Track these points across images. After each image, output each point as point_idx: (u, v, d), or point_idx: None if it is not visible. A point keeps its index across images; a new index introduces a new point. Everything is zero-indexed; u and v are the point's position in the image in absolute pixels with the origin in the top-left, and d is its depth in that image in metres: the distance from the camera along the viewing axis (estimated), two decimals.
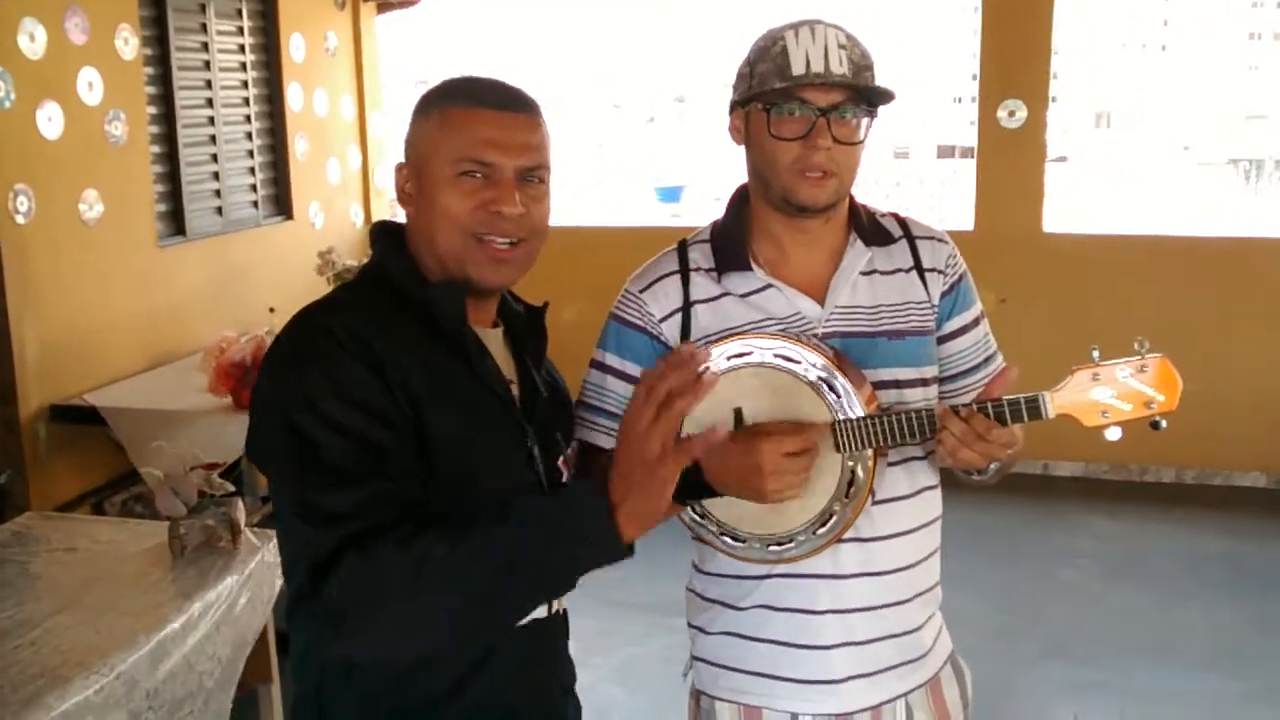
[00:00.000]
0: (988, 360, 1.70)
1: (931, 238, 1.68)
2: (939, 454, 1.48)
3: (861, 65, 1.52)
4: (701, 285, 1.62)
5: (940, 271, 1.66)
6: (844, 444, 1.46)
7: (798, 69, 1.49)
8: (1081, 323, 5.14)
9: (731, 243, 1.63)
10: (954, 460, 1.46)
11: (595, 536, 1.17)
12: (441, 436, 1.29)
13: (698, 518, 1.54)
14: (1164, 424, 1.41)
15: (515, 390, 1.44)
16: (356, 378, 1.24)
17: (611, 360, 1.65)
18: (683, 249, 1.66)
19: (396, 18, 6.49)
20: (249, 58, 5.18)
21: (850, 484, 1.48)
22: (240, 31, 5.12)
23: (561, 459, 1.48)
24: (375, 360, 1.26)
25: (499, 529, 1.19)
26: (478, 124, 1.36)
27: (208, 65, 4.89)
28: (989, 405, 1.42)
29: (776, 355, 1.48)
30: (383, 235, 1.45)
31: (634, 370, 1.63)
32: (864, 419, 1.45)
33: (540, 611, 1.40)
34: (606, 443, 1.65)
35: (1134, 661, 3.74)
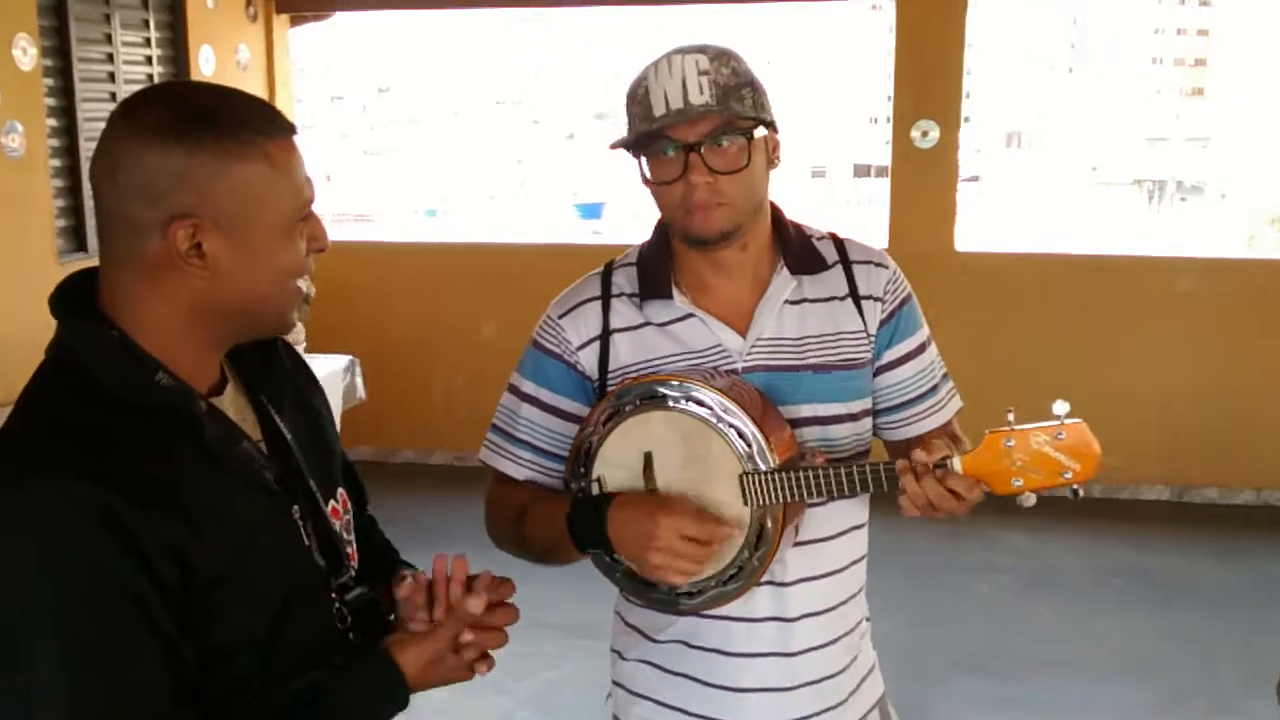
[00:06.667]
0: (934, 389, 1.63)
1: (869, 262, 1.59)
2: (904, 505, 1.37)
3: (729, 87, 1.43)
4: (623, 313, 1.55)
5: (878, 299, 1.58)
6: (751, 497, 1.40)
7: (658, 109, 1.43)
8: (993, 340, 5.22)
9: (655, 269, 1.55)
10: (932, 515, 1.38)
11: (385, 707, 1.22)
12: (215, 560, 1.09)
13: (608, 560, 1.48)
14: (1081, 492, 1.36)
15: (264, 447, 1.21)
16: (99, 625, 1.02)
17: (527, 387, 1.59)
18: (607, 273, 1.59)
19: (310, 30, 6.39)
20: (156, 70, 5.05)
21: (759, 536, 1.41)
22: (147, 43, 4.99)
23: (330, 509, 1.28)
24: (127, 549, 1.02)
25: None
26: (295, 158, 1.12)
27: (113, 77, 4.76)
28: (881, 468, 1.37)
29: (687, 399, 1.42)
30: (75, 314, 1.13)
31: (549, 398, 1.58)
32: (773, 472, 1.38)
33: None
34: (516, 472, 1.60)
35: (1046, 675, 3.78)
